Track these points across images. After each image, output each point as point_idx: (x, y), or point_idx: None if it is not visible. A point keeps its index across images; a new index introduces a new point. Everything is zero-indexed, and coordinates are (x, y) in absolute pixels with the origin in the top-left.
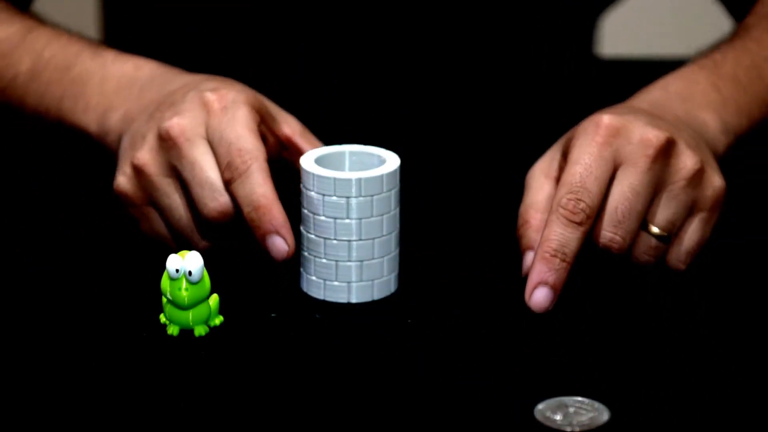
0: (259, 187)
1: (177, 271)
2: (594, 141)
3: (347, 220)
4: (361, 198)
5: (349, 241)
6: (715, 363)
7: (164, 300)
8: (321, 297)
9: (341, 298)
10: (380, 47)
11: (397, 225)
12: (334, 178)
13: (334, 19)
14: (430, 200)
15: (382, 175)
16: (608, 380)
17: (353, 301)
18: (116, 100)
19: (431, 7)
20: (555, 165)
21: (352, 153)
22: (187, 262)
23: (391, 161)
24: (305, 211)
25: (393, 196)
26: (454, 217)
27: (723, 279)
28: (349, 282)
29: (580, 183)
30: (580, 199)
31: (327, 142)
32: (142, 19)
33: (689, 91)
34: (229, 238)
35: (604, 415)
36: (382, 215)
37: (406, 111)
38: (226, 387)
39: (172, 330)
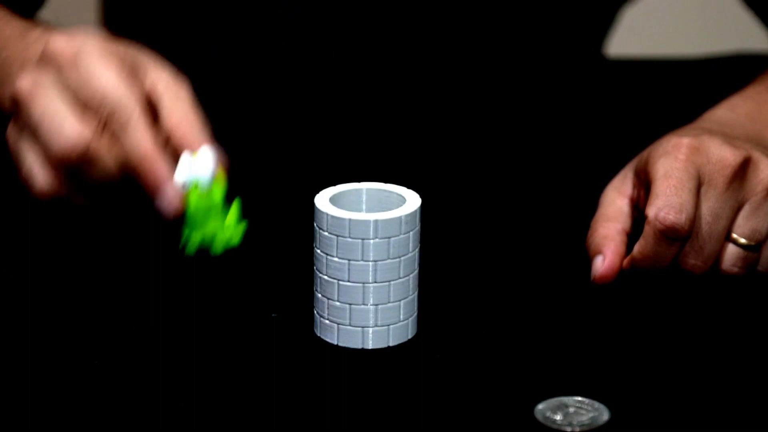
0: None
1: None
2: (677, 158)
3: (362, 262)
4: (377, 240)
5: (364, 283)
6: (715, 363)
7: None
8: (334, 342)
9: (355, 343)
10: (381, 42)
11: (416, 267)
12: (349, 219)
13: (335, 25)
14: (450, 238)
15: (400, 217)
16: (608, 380)
17: (368, 347)
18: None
19: (438, 9)
20: (627, 182)
21: (369, 191)
22: (196, 167)
23: (412, 201)
24: (318, 251)
25: (412, 237)
26: (477, 255)
27: (723, 278)
28: (363, 327)
29: (676, 194)
30: (678, 211)
31: (332, 156)
32: (143, 20)
33: (758, 111)
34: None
35: (604, 415)
36: (400, 257)
37: (408, 115)
38: (226, 387)
39: (191, 247)
